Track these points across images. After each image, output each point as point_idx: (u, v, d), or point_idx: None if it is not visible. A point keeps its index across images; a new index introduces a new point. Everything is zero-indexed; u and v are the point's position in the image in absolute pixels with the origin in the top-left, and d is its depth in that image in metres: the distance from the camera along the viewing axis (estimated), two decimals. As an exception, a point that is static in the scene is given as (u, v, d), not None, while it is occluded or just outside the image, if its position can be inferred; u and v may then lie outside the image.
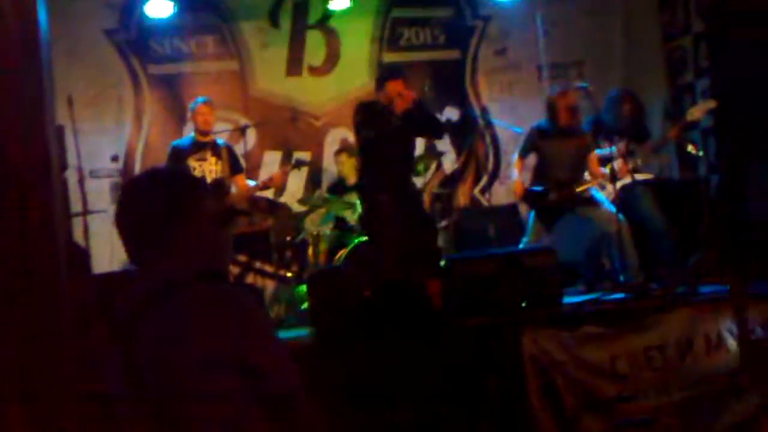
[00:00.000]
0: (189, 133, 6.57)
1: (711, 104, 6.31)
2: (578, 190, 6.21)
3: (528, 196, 6.37)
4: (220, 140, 6.45)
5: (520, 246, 6.32)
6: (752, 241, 6.81)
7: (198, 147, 6.28)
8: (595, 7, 8.22)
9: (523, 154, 6.40)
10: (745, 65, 7.24)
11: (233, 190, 6.43)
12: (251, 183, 6.55)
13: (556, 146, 6.21)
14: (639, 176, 6.45)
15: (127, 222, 1.94)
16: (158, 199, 1.93)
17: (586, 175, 6.32)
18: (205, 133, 6.31)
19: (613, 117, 6.60)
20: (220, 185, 6.25)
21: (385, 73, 5.99)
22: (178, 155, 6.24)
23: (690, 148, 6.95)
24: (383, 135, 5.69)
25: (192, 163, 6.22)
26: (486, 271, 5.54)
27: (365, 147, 5.90)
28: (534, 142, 6.32)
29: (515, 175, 6.42)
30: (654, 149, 6.55)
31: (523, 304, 5.48)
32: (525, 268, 5.56)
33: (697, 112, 6.22)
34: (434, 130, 6.15)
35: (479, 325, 5.21)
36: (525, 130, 6.67)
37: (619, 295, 5.77)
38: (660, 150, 6.71)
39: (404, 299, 4.60)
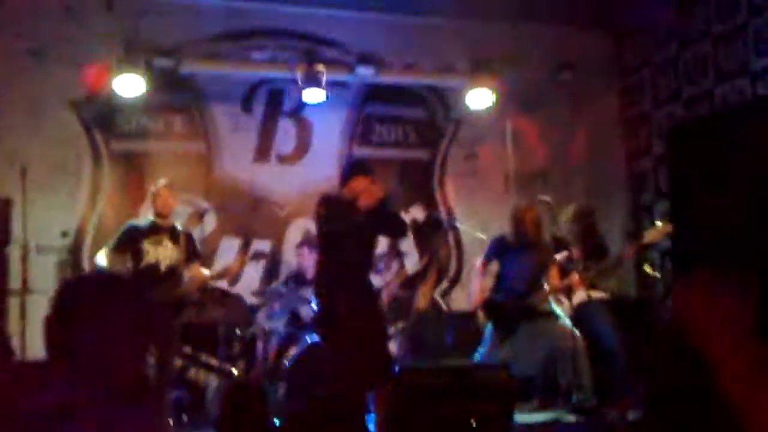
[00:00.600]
0: (146, 214, 6.39)
1: (667, 228, 6.38)
2: (536, 301, 6.18)
3: (487, 305, 6.29)
4: (179, 226, 6.28)
5: (476, 355, 6.20)
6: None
7: (155, 230, 6.05)
8: (563, 121, 8.35)
9: (487, 261, 6.36)
10: (705, 192, 7.38)
11: (187, 278, 6.22)
12: (206, 272, 6.35)
13: (519, 258, 6.19)
14: (595, 294, 6.44)
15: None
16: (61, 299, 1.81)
17: (545, 287, 6.28)
18: (164, 217, 6.11)
19: (569, 234, 6.61)
20: (173, 273, 6.03)
21: (352, 168, 5.75)
22: (133, 236, 6.00)
23: (647, 268, 6.99)
24: (345, 231, 5.53)
25: (146, 246, 5.98)
26: (437, 384, 5.40)
27: (325, 241, 5.66)
28: (497, 252, 6.29)
29: (477, 279, 6.34)
30: (609, 268, 6.53)
31: (473, 424, 5.35)
32: (477, 383, 5.45)
33: (654, 234, 6.28)
34: (398, 229, 6.02)
35: None
36: (489, 236, 6.64)
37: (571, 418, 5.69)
38: (615, 269, 6.69)
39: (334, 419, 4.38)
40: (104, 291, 1.85)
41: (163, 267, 6.00)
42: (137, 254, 5.97)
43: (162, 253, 6.02)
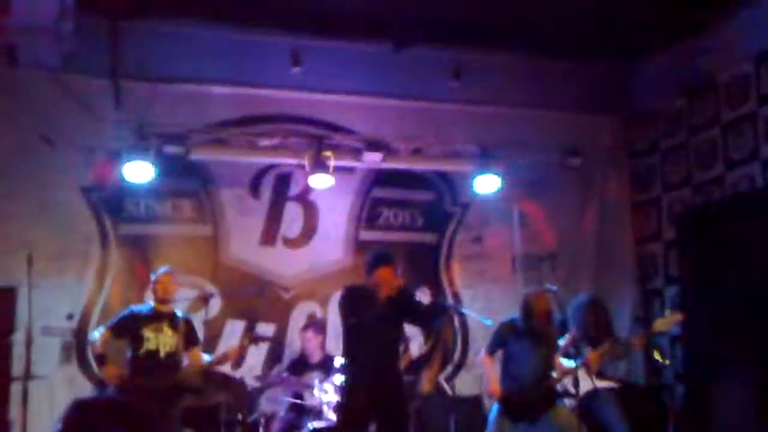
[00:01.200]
0: (148, 300, 6.41)
1: (678, 317, 6.32)
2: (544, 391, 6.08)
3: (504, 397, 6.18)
4: (180, 313, 6.29)
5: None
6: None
7: (155, 317, 6.11)
8: (571, 205, 8.36)
9: (492, 350, 6.25)
10: (715, 279, 7.32)
11: (186, 363, 6.21)
12: (206, 357, 6.35)
13: (526, 347, 6.10)
14: (603, 383, 6.34)
15: None
16: None
17: (553, 376, 6.19)
18: (165, 302, 6.16)
19: (577, 324, 6.53)
20: (172, 359, 6.05)
21: (376, 259, 5.77)
22: (132, 322, 6.07)
23: (656, 355, 6.90)
24: (368, 321, 5.52)
25: (147, 333, 6.04)
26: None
27: (349, 332, 5.71)
28: (504, 339, 6.20)
29: (488, 372, 6.21)
30: (618, 354, 6.44)
31: None
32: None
33: (664, 324, 6.21)
34: (424, 320, 6.08)
35: None
36: (495, 323, 6.55)
37: None
38: (624, 355, 6.59)
39: None
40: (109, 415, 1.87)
41: (162, 354, 6.02)
42: (137, 340, 6.01)
43: (162, 340, 6.06)
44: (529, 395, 6.00)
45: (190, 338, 6.21)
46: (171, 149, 6.92)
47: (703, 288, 7.47)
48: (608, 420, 6.44)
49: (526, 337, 6.08)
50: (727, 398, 6.93)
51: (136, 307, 6.28)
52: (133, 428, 5.65)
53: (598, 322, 6.63)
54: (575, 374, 6.03)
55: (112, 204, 7.24)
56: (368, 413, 5.60)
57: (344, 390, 5.74)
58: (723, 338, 7.11)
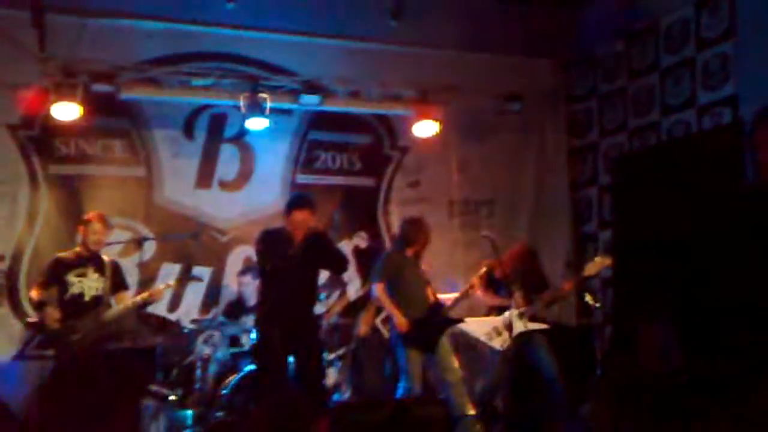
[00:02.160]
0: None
1: (607, 261, 6.45)
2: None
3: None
4: (105, 256, 6.17)
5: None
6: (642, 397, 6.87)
7: (80, 262, 6.02)
8: (509, 151, 8.39)
9: (382, 279, 6.19)
10: (647, 224, 7.46)
11: (113, 307, 6.14)
12: (129, 296, 6.29)
13: (416, 273, 6.16)
14: (533, 325, 6.45)
15: None
16: None
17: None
18: (95, 249, 6.08)
19: (511, 269, 6.62)
20: (98, 303, 5.98)
21: (292, 201, 5.91)
22: (58, 269, 5.98)
23: (588, 297, 7.04)
24: (282, 266, 5.60)
25: (71, 278, 5.96)
26: (375, 419, 5.42)
27: (264, 276, 5.83)
28: (397, 266, 6.19)
29: (389, 305, 6.08)
30: (549, 302, 6.56)
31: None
32: (415, 418, 5.46)
33: (593, 268, 6.35)
34: (338, 265, 6.14)
35: None
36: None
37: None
38: (555, 303, 6.72)
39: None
40: None
41: (87, 297, 5.96)
42: (62, 285, 5.94)
43: (87, 284, 5.99)
44: (427, 324, 6.04)
45: (117, 282, 6.15)
46: (100, 87, 6.72)
47: (635, 232, 7.62)
48: (539, 361, 6.58)
49: (413, 264, 6.13)
50: (652, 339, 7.13)
51: (61, 254, 6.15)
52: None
53: (531, 271, 6.74)
54: (508, 321, 6.14)
55: (41, 143, 7.05)
56: (286, 352, 5.68)
57: (261, 332, 5.79)
58: (652, 281, 7.27)
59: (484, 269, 6.36)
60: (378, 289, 6.11)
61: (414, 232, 6.25)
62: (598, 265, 6.37)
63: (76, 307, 5.89)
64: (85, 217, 6.13)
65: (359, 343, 7.52)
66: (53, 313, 5.80)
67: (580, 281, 6.55)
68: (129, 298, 6.22)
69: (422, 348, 6.01)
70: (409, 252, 6.22)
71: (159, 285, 6.49)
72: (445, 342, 6.08)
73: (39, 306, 5.95)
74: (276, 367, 5.69)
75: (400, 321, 5.96)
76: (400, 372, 6.14)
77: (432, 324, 6.04)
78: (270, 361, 5.70)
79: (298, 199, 5.91)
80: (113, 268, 6.12)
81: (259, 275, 5.99)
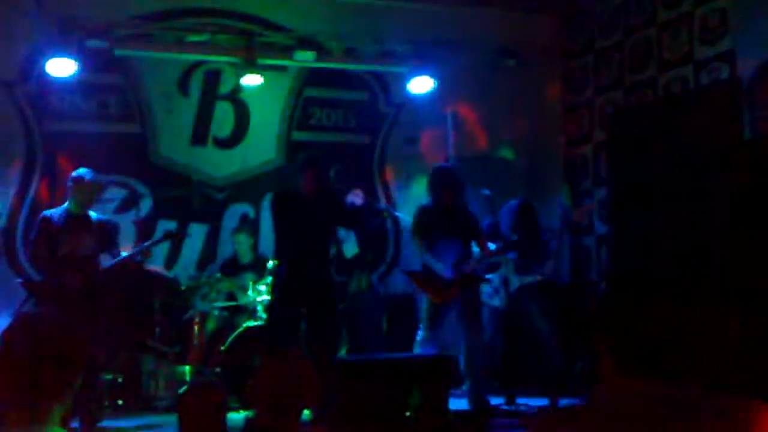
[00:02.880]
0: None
1: (592, 206, 6.44)
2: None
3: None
4: (94, 214, 6.09)
5: (418, 338, 6.17)
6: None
7: (70, 220, 5.91)
8: (504, 108, 8.36)
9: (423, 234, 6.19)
10: (642, 180, 7.48)
11: (105, 264, 6.10)
12: (123, 253, 6.17)
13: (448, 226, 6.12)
14: (527, 279, 6.49)
15: None
16: None
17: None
18: (83, 207, 5.97)
19: (509, 227, 6.64)
20: (89, 262, 5.92)
21: (303, 162, 5.91)
22: (49, 227, 5.90)
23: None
24: (298, 225, 5.67)
25: (62, 236, 5.87)
26: (374, 376, 5.48)
27: (281, 236, 5.85)
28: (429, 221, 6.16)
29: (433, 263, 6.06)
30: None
31: (408, 414, 5.42)
32: (413, 375, 5.52)
33: (578, 215, 6.30)
34: (351, 221, 6.16)
35: None
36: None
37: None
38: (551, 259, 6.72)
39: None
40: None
41: (78, 256, 5.88)
42: (54, 245, 5.87)
43: (77, 242, 5.90)
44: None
45: (106, 240, 6.05)
46: (94, 43, 6.67)
47: (631, 189, 7.64)
48: (532, 317, 6.64)
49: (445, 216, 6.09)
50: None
51: (49, 212, 6.04)
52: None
53: (527, 225, 6.76)
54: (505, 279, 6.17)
55: (36, 100, 7.02)
56: (298, 313, 5.78)
57: (275, 291, 5.87)
58: (647, 238, 7.32)
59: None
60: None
61: (430, 183, 6.19)
62: (583, 211, 6.33)
63: (68, 266, 5.82)
64: (74, 174, 6.00)
65: (355, 301, 7.58)
66: (74, 278, 5.74)
67: (567, 224, 6.48)
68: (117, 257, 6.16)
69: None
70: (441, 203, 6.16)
71: (146, 243, 6.39)
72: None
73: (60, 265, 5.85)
74: (287, 324, 5.74)
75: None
76: (419, 321, 6.16)
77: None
78: (282, 319, 5.75)
79: (310, 161, 5.90)
80: (102, 226, 6.04)
81: (275, 236, 5.98)
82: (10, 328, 1.90)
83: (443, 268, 5.93)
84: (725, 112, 6.58)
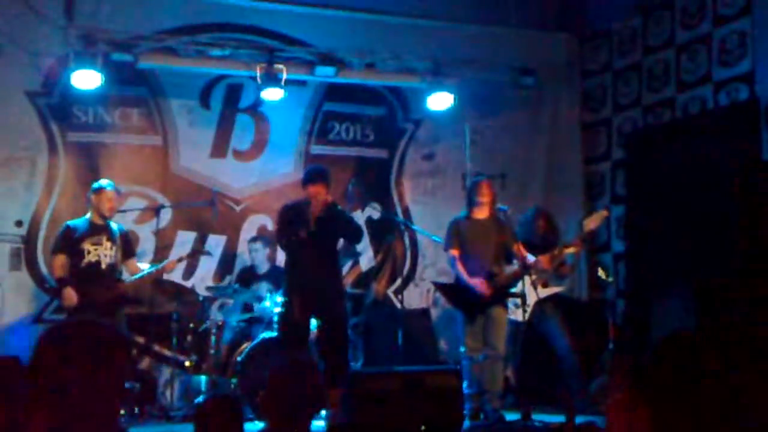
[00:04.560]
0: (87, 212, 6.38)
1: (605, 214, 6.41)
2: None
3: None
4: (114, 224, 6.30)
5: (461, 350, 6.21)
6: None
7: (93, 230, 6.12)
8: (522, 124, 8.40)
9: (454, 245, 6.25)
10: (660, 199, 7.49)
11: (125, 274, 6.31)
12: (143, 268, 6.43)
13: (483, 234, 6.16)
14: (546, 291, 6.50)
15: None
16: None
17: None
18: (106, 218, 6.19)
19: (527, 234, 6.67)
20: (113, 271, 6.12)
21: (306, 175, 6.09)
22: (72, 237, 6.08)
23: (600, 272, 7.07)
24: (300, 238, 5.77)
25: (87, 246, 6.07)
26: (388, 388, 5.50)
27: (286, 249, 6.06)
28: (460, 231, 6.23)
29: (465, 273, 6.13)
30: (556, 259, 6.46)
31: (423, 427, 5.43)
32: (428, 388, 5.54)
33: (593, 222, 6.27)
34: (351, 236, 6.23)
35: None
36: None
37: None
38: (561, 260, 6.63)
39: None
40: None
41: (103, 265, 6.08)
42: (78, 254, 6.05)
43: (102, 252, 6.10)
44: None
45: (126, 250, 6.28)
46: (119, 56, 6.77)
47: (648, 208, 7.65)
48: (551, 332, 6.64)
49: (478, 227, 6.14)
50: (665, 315, 7.18)
51: (72, 222, 6.26)
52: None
53: (546, 229, 6.79)
54: (521, 277, 6.16)
55: (60, 111, 7.12)
56: (307, 325, 5.90)
57: (284, 303, 6.01)
58: (665, 257, 7.32)
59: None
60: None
61: (470, 191, 6.29)
62: (596, 218, 6.29)
63: (93, 275, 6.00)
64: (96, 185, 6.20)
65: (371, 313, 7.62)
66: (72, 296, 5.89)
67: (584, 236, 6.44)
68: (138, 267, 6.37)
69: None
70: (475, 214, 6.23)
71: (173, 258, 6.61)
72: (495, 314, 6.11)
73: (60, 282, 6.05)
74: (296, 337, 5.82)
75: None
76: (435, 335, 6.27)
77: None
78: (290, 331, 5.85)
79: (311, 173, 6.06)
80: (123, 236, 6.28)
81: (281, 247, 6.14)
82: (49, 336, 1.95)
83: (473, 281, 5.99)
84: (743, 133, 6.60)
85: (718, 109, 7.04)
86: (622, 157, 8.13)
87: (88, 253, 6.03)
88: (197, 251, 6.80)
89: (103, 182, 6.25)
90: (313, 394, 3.47)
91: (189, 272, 7.35)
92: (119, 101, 7.29)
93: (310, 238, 5.74)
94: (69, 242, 6.04)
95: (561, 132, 8.52)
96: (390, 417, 5.36)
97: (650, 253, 7.56)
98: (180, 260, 6.58)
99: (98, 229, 6.13)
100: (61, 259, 6.03)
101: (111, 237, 6.16)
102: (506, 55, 8.02)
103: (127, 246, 6.31)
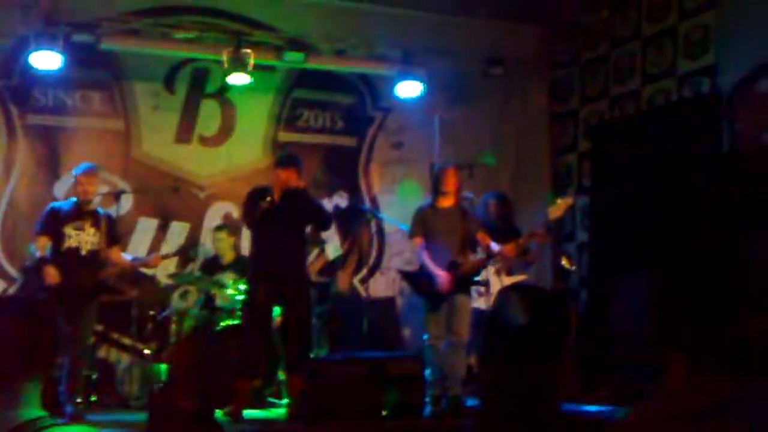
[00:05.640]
0: (60, 191, 6.26)
1: (569, 201, 6.39)
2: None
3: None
4: (101, 209, 6.16)
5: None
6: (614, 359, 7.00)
7: (78, 215, 5.94)
8: (491, 114, 8.40)
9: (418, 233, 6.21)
10: (624, 190, 7.54)
11: (108, 262, 6.14)
12: (127, 257, 6.30)
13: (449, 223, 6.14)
14: (510, 279, 6.50)
15: None
16: None
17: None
18: (86, 202, 6.01)
19: (485, 217, 6.66)
20: (94, 257, 5.96)
21: (278, 159, 6.04)
22: (55, 220, 5.91)
23: (564, 261, 7.09)
24: (261, 221, 5.72)
25: (68, 230, 5.90)
26: (350, 375, 5.51)
27: (250, 231, 6.04)
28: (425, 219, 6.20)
29: (430, 262, 6.07)
30: (520, 247, 6.46)
31: (384, 413, 5.45)
32: (390, 375, 5.55)
33: (557, 209, 6.25)
34: (319, 220, 6.17)
35: (336, 431, 5.19)
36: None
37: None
38: (525, 248, 6.63)
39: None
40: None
41: (84, 251, 5.92)
42: (59, 237, 5.89)
43: (83, 238, 5.94)
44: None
45: (111, 236, 6.10)
46: (80, 38, 6.64)
47: (613, 198, 7.69)
48: (515, 320, 6.62)
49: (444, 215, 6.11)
50: (626, 303, 7.23)
51: (58, 204, 6.10)
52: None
53: (499, 212, 6.79)
54: (485, 265, 6.16)
55: (19, 93, 6.99)
56: (269, 309, 5.86)
57: (247, 287, 5.96)
58: (628, 247, 7.35)
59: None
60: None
61: (435, 180, 6.25)
62: (561, 206, 6.28)
63: (72, 261, 5.84)
64: (83, 167, 6.01)
65: (337, 302, 7.57)
66: (53, 274, 5.74)
67: (548, 224, 6.43)
68: (121, 254, 6.22)
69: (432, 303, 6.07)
70: (440, 203, 6.20)
71: (159, 253, 6.56)
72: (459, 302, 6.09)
73: (41, 261, 5.87)
74: (257, 321, 5.77)
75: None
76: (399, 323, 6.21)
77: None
78: (253, 318, 5.79)
79: (281, 158, 6.00)
80: (108, 222, 6.08)
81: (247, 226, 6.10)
82: None
83: (438, 269, 5.98)
84: (706, 125, 6.65)
85: (681, 102, 7.09)
86: (588, 149, 8.17)
87: (69, 237, 5.86)
88: (184, 250, 6.67)
89: (91, 164, 6.08)
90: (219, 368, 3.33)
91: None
92: (81, 84, 7.14)
93: (274, 219, 5.64)
94: (52, 224, 5.87)
95: (529, 123, 8.53)
96: (352, 403, 5.37)
97: (614, 243, 7.60)
98: (166, 257, 6.48)
99: (82, 214, 5.95)
100: (42, 241, 5.87)
101: (95, 222, 5.98)
102: (476, 45, 7.98)
103: (112, 231, 6.12)
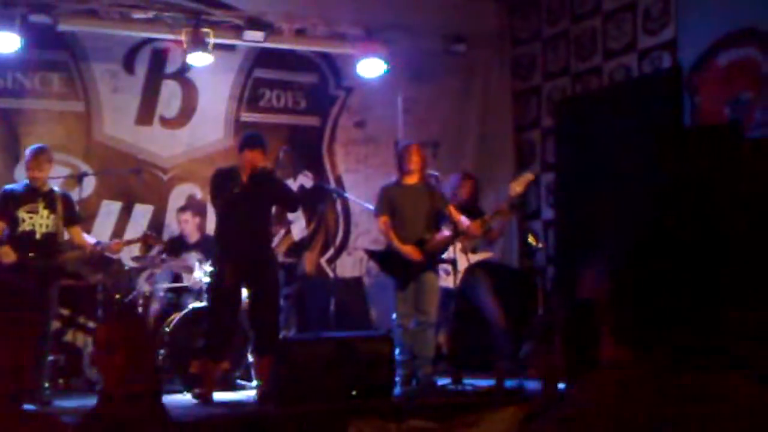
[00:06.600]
0: (20, 175, 6.14)
1: (530, 177, 6.42)
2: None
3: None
4: (57, 189, 6.01)
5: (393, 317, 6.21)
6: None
7: (30, 197, 5.78)
8: (454, 92, 8.41)
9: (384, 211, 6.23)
10: (588, 166, 7.60)
11: (69, 244, 6.01)
12: (89, 239, 6.18)
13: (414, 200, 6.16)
14: (476, 257, 6.54)
15: None
16: None
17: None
18: (38, 182, 5.84)
19: (453, 197, 6.68)
20: (50, 240, 5.80)
21: (243, 139, 5.93)
22: (9, 203, 5.76)
23: (530, 239, 7.15)
24: (230, 202, 5.65)
25: (21, 214, 5.74)
26: (319, 355, 5.51)
27: (217, 212, 5.96)
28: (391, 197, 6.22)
29: (394, 239, 6.12)
30: (486, 224, 6.49)
31: (354, 393, 5.47)
32: (358, 355, 5.56)
33: (519, 185, 6.28)
34: (288, 201, 6.16)
35: (306, 412, 5.19)
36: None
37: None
38: (488, 226, 6.66)
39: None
40: None
41: (38, 235, 5.77)
42: (13, 221, 5.74)
43: (37, 221, 5.77)
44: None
45: (68, 216, 5.93)
46: (38, 18, 6.51)
47: (577, 175, 7.75)
48: (481, 299, 6.69)
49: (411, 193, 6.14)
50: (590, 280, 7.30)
51: (10, 186, 5.94)
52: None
53: (470, 194, 6.82)
54: (451, 242, 6.19)
55: (-24, 75, 6.82)
56: (237, 290, 5.81)
57: (214, 269, 5.91)
58: (593, 223, 7.43)
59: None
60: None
61: (399, 158, 6.23)
62: (522, 181, 6.31)
63: (27, 245, 5.71)
64: (35, 147, 5.88)
65: (304, 283, 7.57)
66: (9, 253, 5.62)
67: (511, 200, 6.45)
68: (82, 235, 6.09)
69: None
70: (406, 180, 6.20)
71: (121, 240, 6.49)
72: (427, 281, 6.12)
73: (19, 242, 5.72)
74: (225, 303, 5.74)
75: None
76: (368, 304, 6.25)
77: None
78: (220, 300, 5.75)
79: (248, 139, 5.91)
80: (64, 202, 5.92)
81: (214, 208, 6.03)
82: None
83: (404, 248, 5.99)
84: (666, 101, 6.73)
85: (642, 77, 7.16)
86: (551, 125, 8.23)
87: (23, 221, 5.72)
88: (148, 236, 6.56)
89: (42, 145, 5.93)
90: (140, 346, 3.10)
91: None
92: (39, 65, 7.01)
93: (242, 201, 5.60)
94: (5, 208, 5.73)
95: (492, 100, 8.55)
96: (322, 384, 5.38)
97: (579, 220, 7.67)
98: (128, 243, 6.39)
99: (35, 196, 5.79)
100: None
101: (49, 204, 5.82)
102: (438, 23, 7.97)
103: (70, 211, 5.96)
